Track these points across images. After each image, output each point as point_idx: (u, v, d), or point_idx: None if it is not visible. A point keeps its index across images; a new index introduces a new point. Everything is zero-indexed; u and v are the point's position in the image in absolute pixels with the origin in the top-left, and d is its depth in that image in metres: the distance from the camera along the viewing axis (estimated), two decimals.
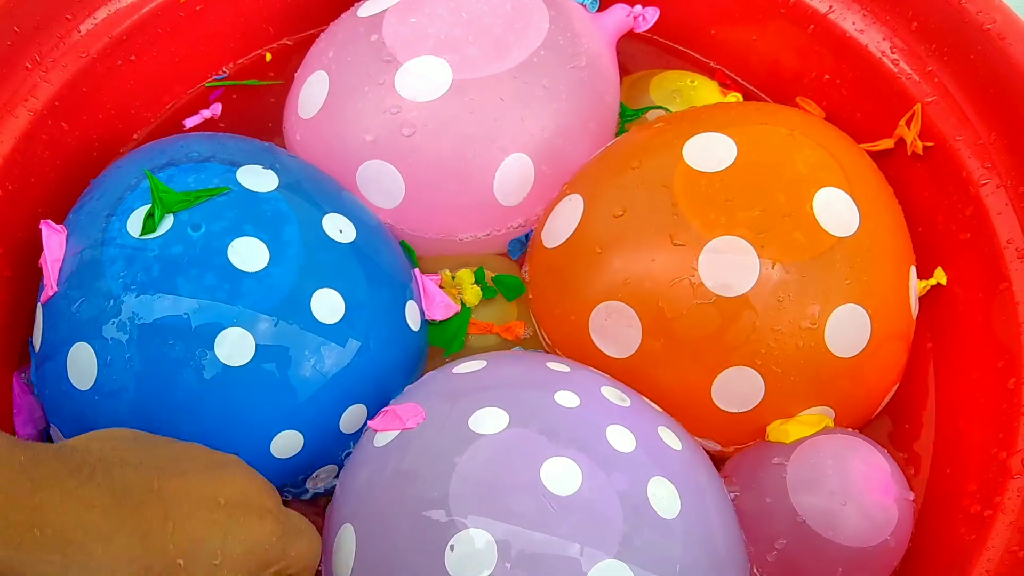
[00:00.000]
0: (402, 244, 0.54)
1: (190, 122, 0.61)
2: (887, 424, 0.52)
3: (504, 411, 0.42)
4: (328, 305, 0.46)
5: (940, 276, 0.52)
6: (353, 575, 0.41)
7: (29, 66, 0.52)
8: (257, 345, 0.44)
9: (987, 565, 0.43)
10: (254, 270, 0.45)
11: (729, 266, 0.45)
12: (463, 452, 0.40)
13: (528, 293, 0.54)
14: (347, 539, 0.42)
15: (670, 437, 0.44)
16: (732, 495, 0.47)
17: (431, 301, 0.52)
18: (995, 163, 0.50)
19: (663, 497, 0.40)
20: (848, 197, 0.47)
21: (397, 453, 0.42)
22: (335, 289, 0.46)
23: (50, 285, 0.47)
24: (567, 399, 0.43)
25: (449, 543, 0.38)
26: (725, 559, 0.42)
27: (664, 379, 0.48)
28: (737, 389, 0.47)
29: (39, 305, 0.48)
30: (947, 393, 0.51)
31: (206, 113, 0.62)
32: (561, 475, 0.39)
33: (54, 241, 0.47)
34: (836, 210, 0.47)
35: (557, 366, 0.46)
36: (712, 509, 0.43)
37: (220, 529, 0.35)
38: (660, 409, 0.47)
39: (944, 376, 0.52)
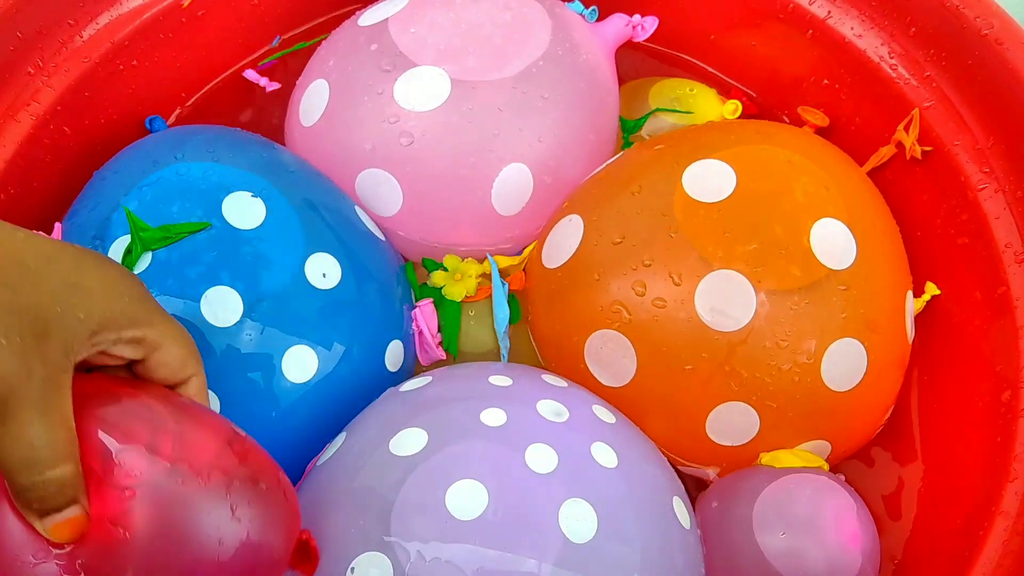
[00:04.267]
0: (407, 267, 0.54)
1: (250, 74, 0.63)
2: (883, 429, 0.52)
3: (425, 432, 0.41)
4: (300, 362, 0.45)
5: (932, 290, 0.52)
6: None
7: (32, 71, 0.52)
8: (222, 406, 0.44)
9: (986, 567, 0.43)
10: (226, 325, 0.44)
11: (726, 300, 0.45)
12: (376, 475, 0.40)
13: (526, 311, 0.54)
14: None
15: (605, 454, 0.42)
16: (712, 506, 0.47)
17: (421, 348, 0.52)
18: (993, 167, 0.50)
19: (577, 519, 0.39)
20: (845, 228, 0.47)
21: (326, 474, 0.43)
22: (308, 344, 0.45)
23: None
24: (493, 417, 0.42)
25: (351, 565, 0.38)
26: None
27: (658, 411, 0.48)
28: (731, 423, 0.47)
29: None
30: (945, 398, 0.52)
31: (263, 81, 0.63)
32: (466, 499, 0.38)
33: None
34: (833, 242, 0.47)
35: (499, 380, 0.45)
36: (642, 532, 0.41)
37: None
38: (612, 420, 0.46)
39: (942, 381, 0.52)
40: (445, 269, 0.53)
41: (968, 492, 0.47)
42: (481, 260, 0.54)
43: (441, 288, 0.53)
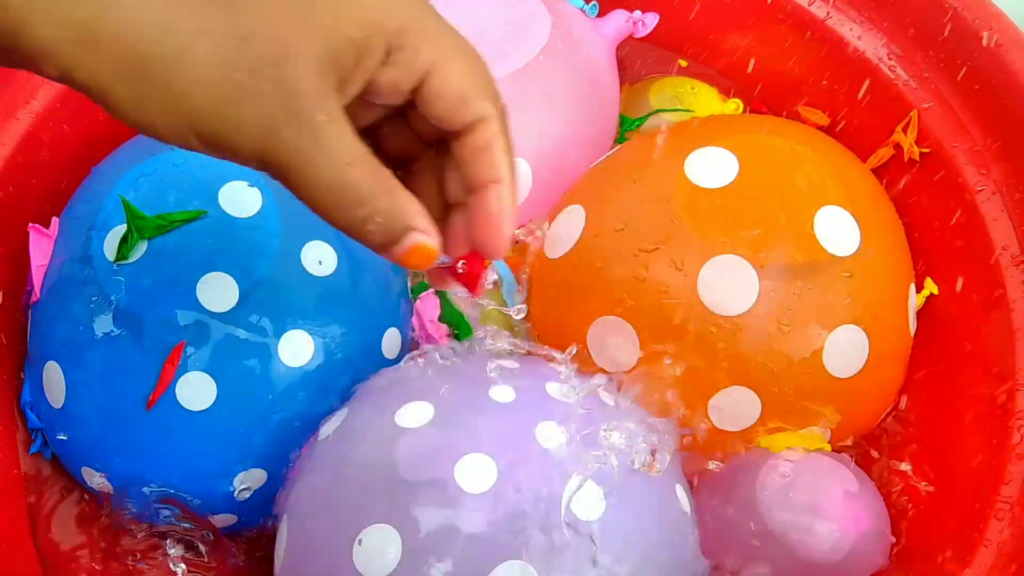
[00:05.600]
0: None
1: None
2: (879, 429, 0.52)
3: (431, 405, 0.41)
4: (297, 347, 0.45)
5: (931, 287, 0.52)
6: (283, 564, 0.41)
7: None
8: (219, 390, 0.44)
9: (980, 568, 0.43)
10: (222, 311, 0.44)
11: (728, 285, 0.45)
12: (382, 446, 0.40)
13: (529, 302, 0.53)
14: (283, 528, 0.42)
15: (612, 436, 0.42)
16: (712, 497, 0.47)
17: (424, 339, 0.52)
18: (991, 169, 0.50)
19: (586, 497, 0.39)
20: (849, 215, 0.47)
21: (329, 448, 0.42)
22: (304, 330, 0.45)
23: (36, 291, 0.47)
24: (502, 394, 0.42)
25: (357, 537, 0.38)
26: (656, 563, 0.41)
27: (661, 396, 0.47)
28: (734, 408, 0.47)
29: (30, 306, 0.49)
30: (941, 399, 0.51)
31: None
32: (475, 472, 0.38)
33: (41, 246, 0.47)
34: (837, 229, 0.46)
35: (506, 363, 0.45)
36: (647, 512, 0.41)
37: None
38: (614, 404, 0.45)
39: (938, 382, 0.52)
40: None
41: (963, 493, 0.47)
42: None
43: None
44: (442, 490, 0.38)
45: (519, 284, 0.54)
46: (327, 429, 0.44)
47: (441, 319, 0.53)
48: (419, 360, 0.46)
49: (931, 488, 0.50)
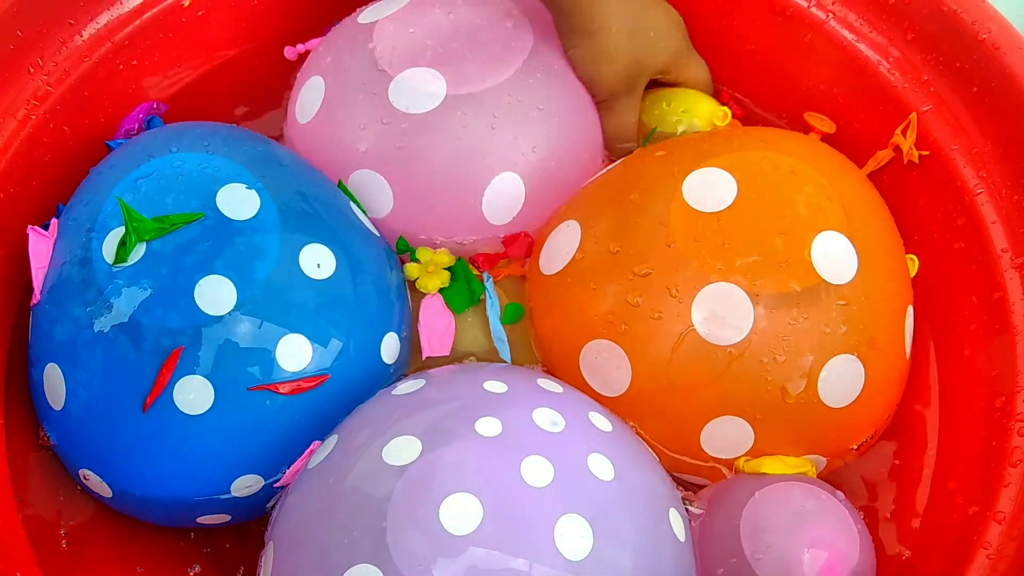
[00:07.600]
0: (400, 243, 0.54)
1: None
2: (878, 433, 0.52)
3: (419, 440, 0.40)
4: (294, 351, 0.45)
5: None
6: None
7: (32, 70, 0.53)
8: (217, 394, 0.44)
9: (980, 572, 0.43)
10: (219, 314, 0.44)
11: (723, 314, 0.45)
12: (369, 484, 0.40)
13: (528, 316, 0.53)
14: (269, 555, 0.42)
15: (602, 466, 0.41)
16: (694, 518, 0.46)
17: (427, 340, 0.52)
18: (990, 172, 0.50)
19: (573, 536, 0.38)
20: (847, 241, 0.46)
21: (318, 478, 0.42)
22: (303, 334, 0.45)
23: (36, 293, 0.47)
24: (488, 427, 0.41)
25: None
26: None
27: (653, 423, 0.48)
28: (726, 437, 0.46)
29: (31, 307, 0.49)
30: (939, 403, 0.51)
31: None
32: (461, 513, 0.38)
33: (40, 248, 0.47)
34: (834, 256, 0.46)
35: (493, 386, 0.44)
36: (636, 548, 0.40)
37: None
38: (608, 428, 0.45)
39: (937, 386, 0.52)
40: (417, 260, 0.53)
41: (963, 497, 0.47)
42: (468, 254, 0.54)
43: (415, 280, 0.53)
44: (427, 531, 0.38)
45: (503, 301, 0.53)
46: (317, 456, 0.44)
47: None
48: (410, 385, 0.46)
49: (930, 492, 0.50)
